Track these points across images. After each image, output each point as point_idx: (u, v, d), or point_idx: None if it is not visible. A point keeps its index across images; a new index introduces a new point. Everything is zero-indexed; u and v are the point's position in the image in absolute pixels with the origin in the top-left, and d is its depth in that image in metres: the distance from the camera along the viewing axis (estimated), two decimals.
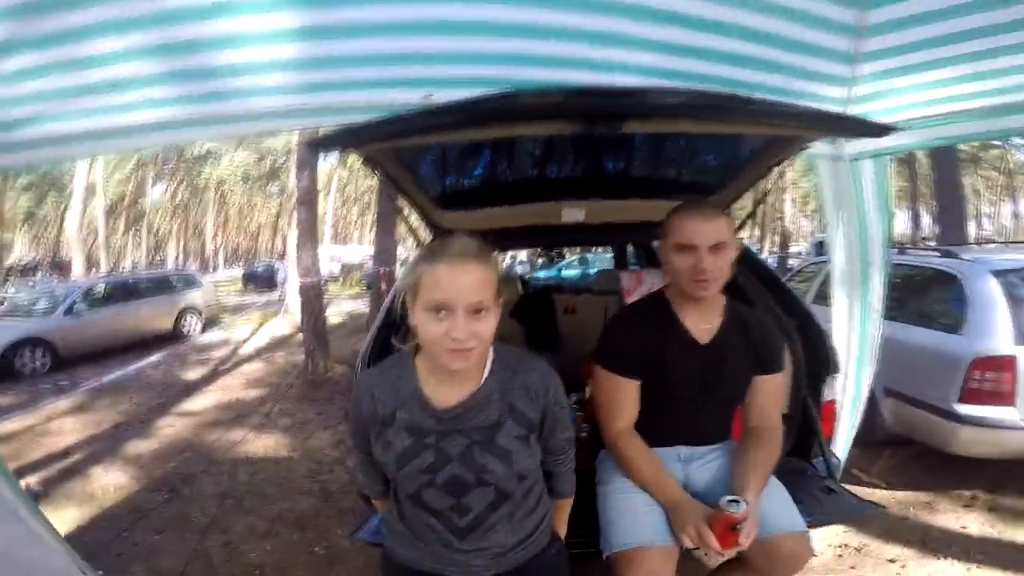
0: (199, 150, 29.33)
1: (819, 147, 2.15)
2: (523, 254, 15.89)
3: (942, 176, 9.76)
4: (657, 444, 1.44)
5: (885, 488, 2.92)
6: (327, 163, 27.71)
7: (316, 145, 1.30)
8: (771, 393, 1.45)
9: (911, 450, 3.18)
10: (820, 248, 12.79)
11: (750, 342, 1.42)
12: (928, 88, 1.68)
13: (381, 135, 1.29)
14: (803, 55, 1.63)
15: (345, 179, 30.49)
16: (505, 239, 2.88)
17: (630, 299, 2.83)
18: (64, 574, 2.19)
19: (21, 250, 32.07)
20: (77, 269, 14.02)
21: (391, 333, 1.87)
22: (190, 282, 10.71)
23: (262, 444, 4.12)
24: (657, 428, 1.45)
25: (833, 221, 2.38)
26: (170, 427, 4.66)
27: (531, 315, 3.10)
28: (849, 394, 2.46)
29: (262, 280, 18.84)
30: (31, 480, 3.47)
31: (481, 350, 0.92)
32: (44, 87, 1.30)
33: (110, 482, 3.48)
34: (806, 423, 1.92)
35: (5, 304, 9.96)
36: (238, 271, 26.90)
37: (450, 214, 2.55)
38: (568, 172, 2.48)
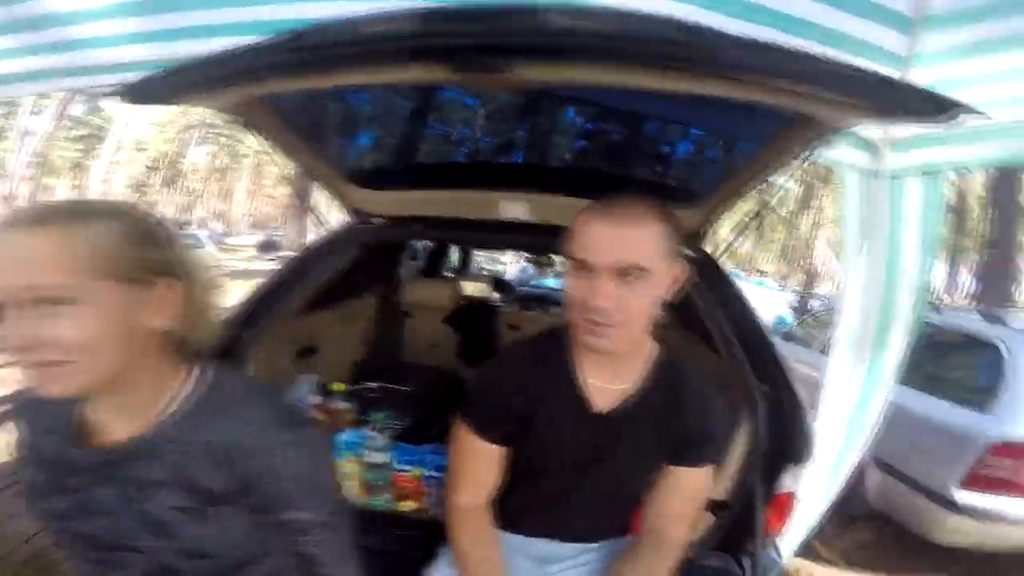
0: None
1: (852, 154, 1.59)
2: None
3: (1001, 224, 8.82)
4: (511, 529, 1.04)
5: (844, 567, 2.49)
6: None
7: (129, 97, 1.02)
8: (685, 492, 0.98)
9: (887, 528, 2.72)
10: None
11: (677, 419, 0.93)
12: (1009, 78, 1.15)
13: (194, 81, 0.98)
14: (847, 11, 1.12)
15: None
16: (437, 232, 2.38)
17: None
18: None
19: (62, 196, 33.13)
20: None
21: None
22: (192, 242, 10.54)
23: None
24: (513, 507, 1.03)
25: (853, 257, 1.76)
26: None
27: (466, 325, 2.64)
28: (827, 470, 1.90)
29: (274, 249, 18.76)
30: None
31: (86, 367, 0.58)
32: None
33: None
34: (744, 517, 1.38)
35: None
36: (259, 238, 27.02)
37: (363, 193, 2.08)
38: (509, 152, 1.98)
